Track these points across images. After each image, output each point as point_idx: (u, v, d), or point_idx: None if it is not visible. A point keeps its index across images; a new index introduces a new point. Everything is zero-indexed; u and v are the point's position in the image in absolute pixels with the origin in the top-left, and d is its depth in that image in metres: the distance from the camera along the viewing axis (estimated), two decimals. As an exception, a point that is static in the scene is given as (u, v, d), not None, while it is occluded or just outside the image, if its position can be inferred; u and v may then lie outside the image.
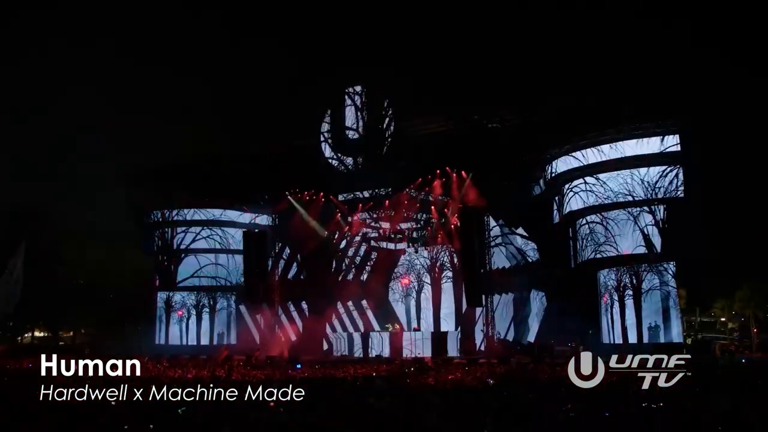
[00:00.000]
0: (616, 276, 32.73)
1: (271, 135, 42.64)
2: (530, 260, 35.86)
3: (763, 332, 40.44)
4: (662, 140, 30.45)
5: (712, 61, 31.50)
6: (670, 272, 31.37)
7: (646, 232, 31.65)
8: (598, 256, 32.64)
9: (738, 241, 34.85)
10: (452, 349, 34.24)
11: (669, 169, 30.71)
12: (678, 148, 30.37)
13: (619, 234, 31.99)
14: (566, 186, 33.50)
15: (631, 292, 32.02)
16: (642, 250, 31.60)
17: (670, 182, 30.59)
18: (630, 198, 31.45)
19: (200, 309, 44.28)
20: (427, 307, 40.47)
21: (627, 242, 31.95)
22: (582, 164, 32.41)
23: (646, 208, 31.32)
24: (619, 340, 31.86)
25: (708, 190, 31.59)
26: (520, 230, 36.27)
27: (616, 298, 32.69)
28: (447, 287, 40.05)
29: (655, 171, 31.07)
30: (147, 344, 42.51)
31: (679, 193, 30.57)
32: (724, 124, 31.91)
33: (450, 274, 39.93)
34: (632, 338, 31.63)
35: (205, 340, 43.93)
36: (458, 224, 35.91)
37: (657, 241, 31.56)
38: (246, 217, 43.88)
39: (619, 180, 31.66)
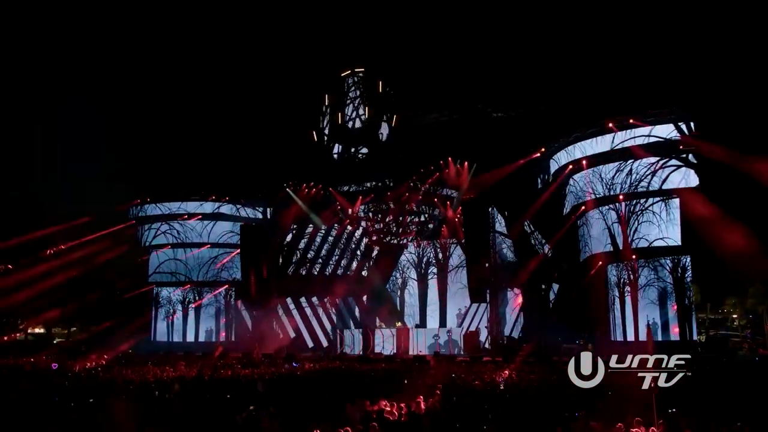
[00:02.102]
0: (617, 272, 31.62)
1: (268, 125, 41.14)
2: (536, 254, 34.38)
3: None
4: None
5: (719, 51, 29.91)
6: (667, 268, 30.16)
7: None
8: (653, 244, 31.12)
9: (751, 235, 33.19)
10: (420, 346, 32.70)
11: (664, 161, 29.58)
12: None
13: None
14: (572, 178, 32.16)
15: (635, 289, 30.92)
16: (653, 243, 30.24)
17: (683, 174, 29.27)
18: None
19: (186, 305, 43.15)
20: (422, 303, 39.45)
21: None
22: (588, 154, 31.08)
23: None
24: (630, 338, 30.59)
25: (719, 181, 30.02)
26: (527, 223, 34.71)
27: (617, 294, 31.73)
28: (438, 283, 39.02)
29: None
30: (141, 342, 41.58)
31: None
32: (734, 113, 30.29)
33: (435, 270, 39.11)
34: (630, 336, 30.75)
35: (191, 337, 42.90)
36: (462, 217, 34.68)
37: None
38: (207, 207, 42.32)
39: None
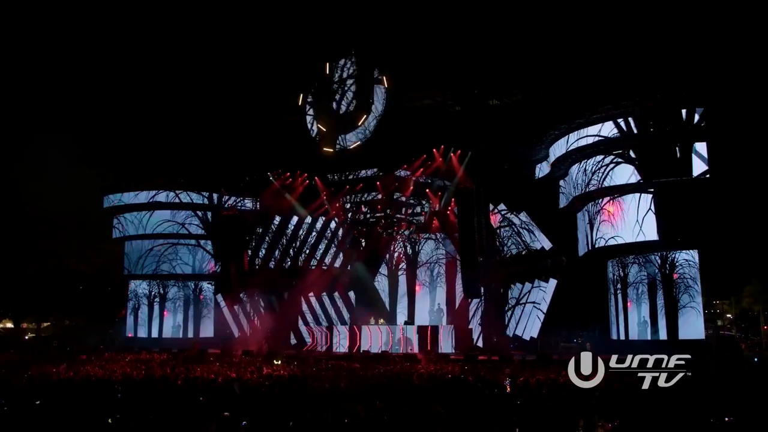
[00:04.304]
0: (612, 268, 30.45)
1: (251, 110, 38.96)
2: (534, 248, 32.83)
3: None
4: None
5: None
6: (656, 264, 28.89)
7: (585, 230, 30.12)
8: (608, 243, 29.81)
9: (747, 232, 31.93)
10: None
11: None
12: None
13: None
14: (574, 167, 30.58)
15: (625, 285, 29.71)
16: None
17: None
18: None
19: (152, 299, 41.01)
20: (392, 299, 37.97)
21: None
22: (591, 142, 29.52)
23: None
24: (633, 337, 29.24)
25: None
26: (523, 215, 33.13)
27: (612, 291, 30.46)
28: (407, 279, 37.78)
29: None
30: (115, 338, 39.72)
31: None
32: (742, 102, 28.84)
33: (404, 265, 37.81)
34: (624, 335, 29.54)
35: (155, 333, 40.73)
36: (454, 208, 33.09)
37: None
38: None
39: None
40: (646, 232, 28.08)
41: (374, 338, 32.05)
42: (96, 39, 43.70)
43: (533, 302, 32.54)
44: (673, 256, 28.89)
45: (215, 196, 40.14)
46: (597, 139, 28.75)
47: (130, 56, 42.97)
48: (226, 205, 39.93)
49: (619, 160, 28.39)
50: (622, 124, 27.91)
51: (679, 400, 12.17)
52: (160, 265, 40.30)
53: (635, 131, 27.71)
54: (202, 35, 40.17)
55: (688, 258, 28.79)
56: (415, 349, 30.16)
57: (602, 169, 28.77)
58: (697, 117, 27.06)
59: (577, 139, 29.49)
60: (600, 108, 28.03)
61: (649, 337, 28.76)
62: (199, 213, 40.16)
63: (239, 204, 40.06)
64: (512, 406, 12.70)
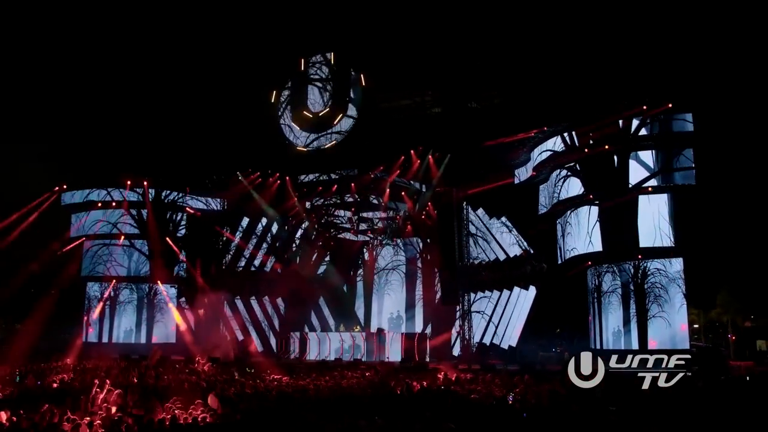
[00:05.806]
0: (591, 276, 29.85)
1: (221, 108, 37.28)
2: (513, 254, 32.06)
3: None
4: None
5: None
6: (629, 272, 28.39)
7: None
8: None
9: (717, 241, 31.64)
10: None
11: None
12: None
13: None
14: (554, 173, 29.95)
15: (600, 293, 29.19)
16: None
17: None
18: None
19: (104, 302, 38.74)
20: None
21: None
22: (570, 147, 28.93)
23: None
24: (607, 345, 28.61)
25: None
26: (503, 220, 32.34)
27: (590, 300, 29.73)
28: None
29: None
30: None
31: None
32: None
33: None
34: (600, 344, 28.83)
35: (110, 338, 38.17)
36: (432, 212, 32.16)
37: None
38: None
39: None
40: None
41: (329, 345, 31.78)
42: (54, 32, 41.40)
43: (479, 312, 32.09)
44: (645, 264, 28.45)
45: (151, 192, 37.42)
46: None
47: (94, 51, 40.78)
48: (166, 202, 37.73)
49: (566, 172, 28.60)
50: (567, 138, 28.08)
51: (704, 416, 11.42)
52: (95, 267, 38.01)
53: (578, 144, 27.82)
54: (170, 28, 38.37)
55: (659, 267, 28.38)
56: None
57: (560, 182, 28.75)
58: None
59: (540, 153, 29.39)
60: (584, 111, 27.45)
61: (622, 346, 28.23)
62: (133, 211, 37.53)
63: (179, 200, 37.84)
64: (522, 421, 11.72)
